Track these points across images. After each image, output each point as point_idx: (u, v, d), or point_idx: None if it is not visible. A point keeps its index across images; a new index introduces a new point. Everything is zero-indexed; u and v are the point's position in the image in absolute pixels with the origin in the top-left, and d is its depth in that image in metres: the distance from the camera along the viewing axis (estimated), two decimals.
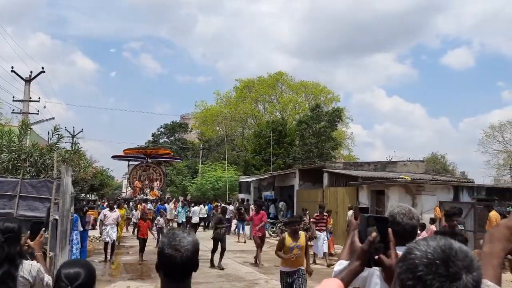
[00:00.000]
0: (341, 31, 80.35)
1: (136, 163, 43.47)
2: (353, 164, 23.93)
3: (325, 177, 20.65)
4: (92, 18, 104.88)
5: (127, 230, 22.23)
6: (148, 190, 40.24)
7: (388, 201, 16.29)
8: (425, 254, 1.06)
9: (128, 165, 44.54)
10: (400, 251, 2.23)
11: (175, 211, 24.17)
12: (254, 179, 30.19)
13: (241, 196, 30.97)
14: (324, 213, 13.90)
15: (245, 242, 18.95)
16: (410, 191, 16.18)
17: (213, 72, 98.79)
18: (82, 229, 10.77)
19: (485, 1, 78.36)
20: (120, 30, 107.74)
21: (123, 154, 42.84)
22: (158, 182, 41.73)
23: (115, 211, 14.02)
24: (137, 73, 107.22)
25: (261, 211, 15.46)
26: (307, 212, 18.28)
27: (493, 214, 12.07)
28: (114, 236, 13.37)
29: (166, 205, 24.38)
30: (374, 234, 1.51)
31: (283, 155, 38.13)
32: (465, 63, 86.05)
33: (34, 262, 2.97)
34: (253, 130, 46.54)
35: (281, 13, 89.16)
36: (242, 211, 20.81)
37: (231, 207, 22.89)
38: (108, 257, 13.37)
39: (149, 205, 25.56)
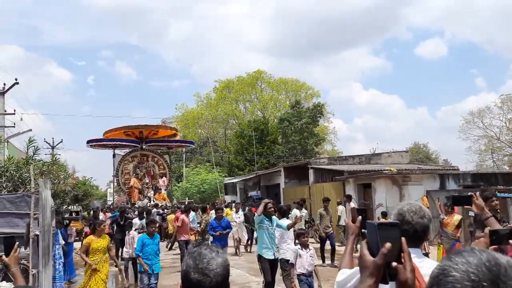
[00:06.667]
0: (312, 29, 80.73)
1: (123, 152, 29.05)
2: (338, 159, 23.89)
3: (311, 174, 20.58)
4: (64, 27, 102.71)
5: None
6: (152, 192, 27.41)
7: (375, 194, 16.27)
8: (467, 275, 0.84)
9: (114, 156, 28.84)
10: (413, 253, 2.05)
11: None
12: (240, 179, 29.96)
13: (227, 197, 30.73)
14: None
15: None
16: (397, 182, 16.16)
17: (188, 76, 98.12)
18: (64, 242, 10.36)
19: None
20: (93, 39, 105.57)
21: (103, 138, 28.76)
22: (164, 178, 28.46)
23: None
24: (112, 80, 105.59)
25: None
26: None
27: None
28: None
29: (235, 213, 16.01)
30: (388, 245, 1.29)
31: (266, 154, 37.99)
32: (438, 53, 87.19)
33: (7, 284, 2.79)
34: (235, 130, 46.31)
35: (250, 14, 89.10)
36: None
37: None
38: None
39: (191, 216, 13.77)
